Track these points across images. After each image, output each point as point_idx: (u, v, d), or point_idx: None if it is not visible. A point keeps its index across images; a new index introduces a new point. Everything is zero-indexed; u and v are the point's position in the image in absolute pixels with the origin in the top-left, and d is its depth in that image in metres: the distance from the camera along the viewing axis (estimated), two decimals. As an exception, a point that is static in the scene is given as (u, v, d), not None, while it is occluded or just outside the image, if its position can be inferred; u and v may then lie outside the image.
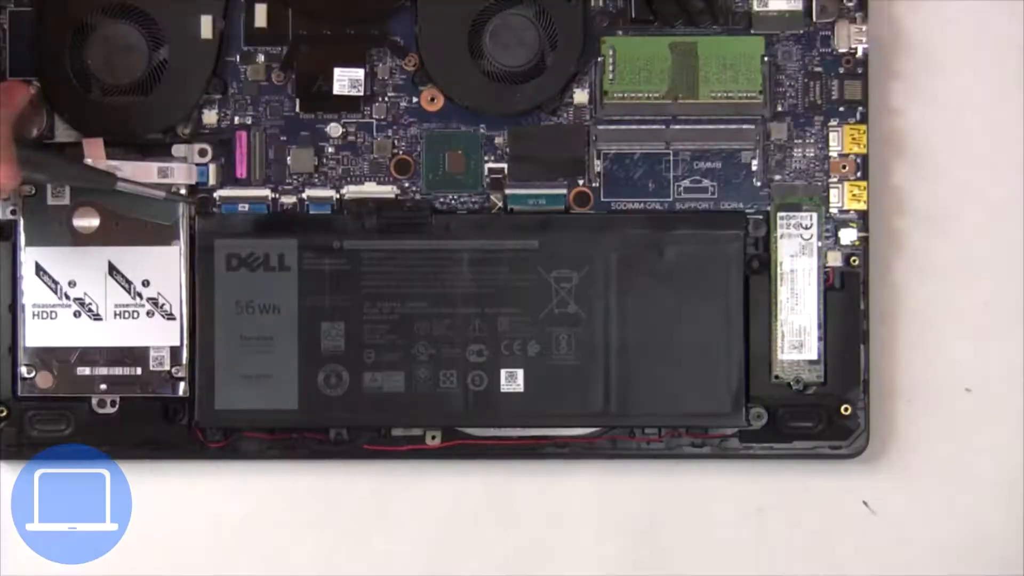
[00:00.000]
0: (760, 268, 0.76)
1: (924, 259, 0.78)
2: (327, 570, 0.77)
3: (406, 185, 0.77)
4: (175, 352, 0.76)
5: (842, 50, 0.76)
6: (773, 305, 0.76)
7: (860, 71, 0.76)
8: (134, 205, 0.75)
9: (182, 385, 0.76)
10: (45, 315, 0.75)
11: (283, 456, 0.76)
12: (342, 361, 0.75)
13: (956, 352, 0.78)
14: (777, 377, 0.76)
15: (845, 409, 0.76)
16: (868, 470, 0.77)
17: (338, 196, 0.76)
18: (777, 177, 0.77)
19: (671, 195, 0.77)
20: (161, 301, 0.76)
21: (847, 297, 0.76)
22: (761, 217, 0.76)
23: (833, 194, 0.76)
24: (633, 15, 0.76)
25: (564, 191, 0.77)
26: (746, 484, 0.77)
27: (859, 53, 0.76)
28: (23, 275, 0.76)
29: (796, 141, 0.77)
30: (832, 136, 0.76)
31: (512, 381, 0.75)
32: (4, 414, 0.76)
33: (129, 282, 0.76)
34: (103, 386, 0.76)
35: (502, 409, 0.75)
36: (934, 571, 0.78)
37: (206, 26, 0.76)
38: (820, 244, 0.76)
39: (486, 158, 0.77)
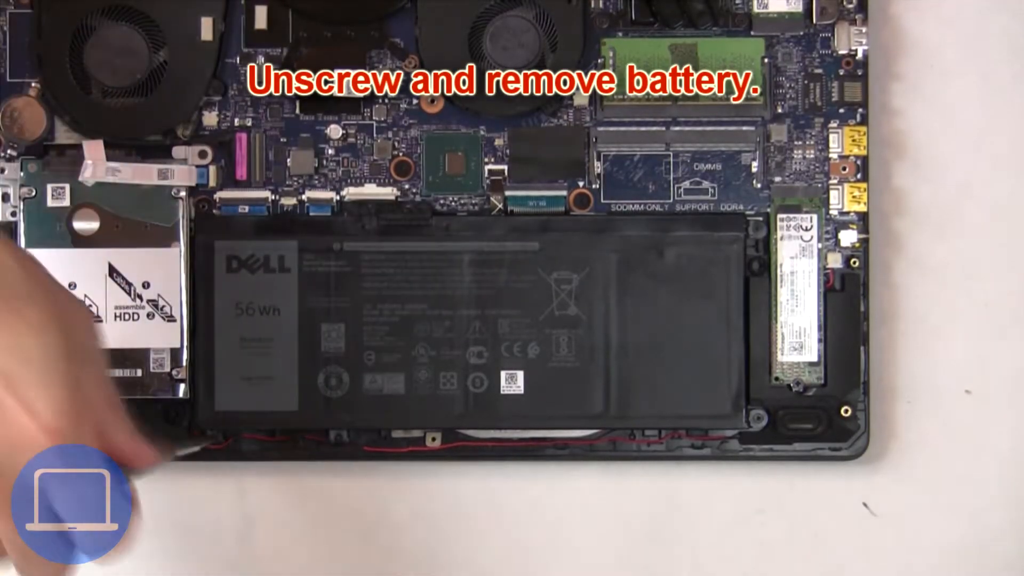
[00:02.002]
0: (760, 270, 0.76)
1: (924, 260, 0.78)
2: (327, 571, 0.77)
3: (406, 187, 0.77)
4: (175, 354, 0.76)
5: (842, 52, 0.76)
6: (773, 307, 0.76)
7: (860, 72, 0.76)
8: (134, 207, 0.75)
9: (182, 387, 0.76)
10: (45, 317, 0.75)
11: (283, 457, 0.76)
12: (342, 363, 0.75)
13: (956, 353, 0.78)
14: (777, 379, 0.76)
15: (845, 411, 0.76)
16: (868, 472, 0.77)
17: (338, 198, 0.76)
18: (777, 179, 0.77)
19: (671, 197, 0.77)
20: (161, 303, 0.75)
21: (847, 299, 0.76)
22: (761, 219, 0.76)
23: (833, 196, 0.76)
24: (633, 17, 0.76)
25: (564, 193, 0.76)
26: (746, 486, 0.77)
27: (859, 55, 0.76)
28: (23, 277, 0.75)
29: (796, 143, 0.77)
30: (832, 138, 0.76)
31: (512, 383, 0.75)
32: (4, 415, 0.76)
33: (129, 284, 0.76)
34: (103, 388, 0.76)
35: (502, 411, 0.75)
36: (934, 572, 0.78)
37: (206, 28, 0.76)
38: (820, 246, 0.76)
39: (486, 160, 0.77)
